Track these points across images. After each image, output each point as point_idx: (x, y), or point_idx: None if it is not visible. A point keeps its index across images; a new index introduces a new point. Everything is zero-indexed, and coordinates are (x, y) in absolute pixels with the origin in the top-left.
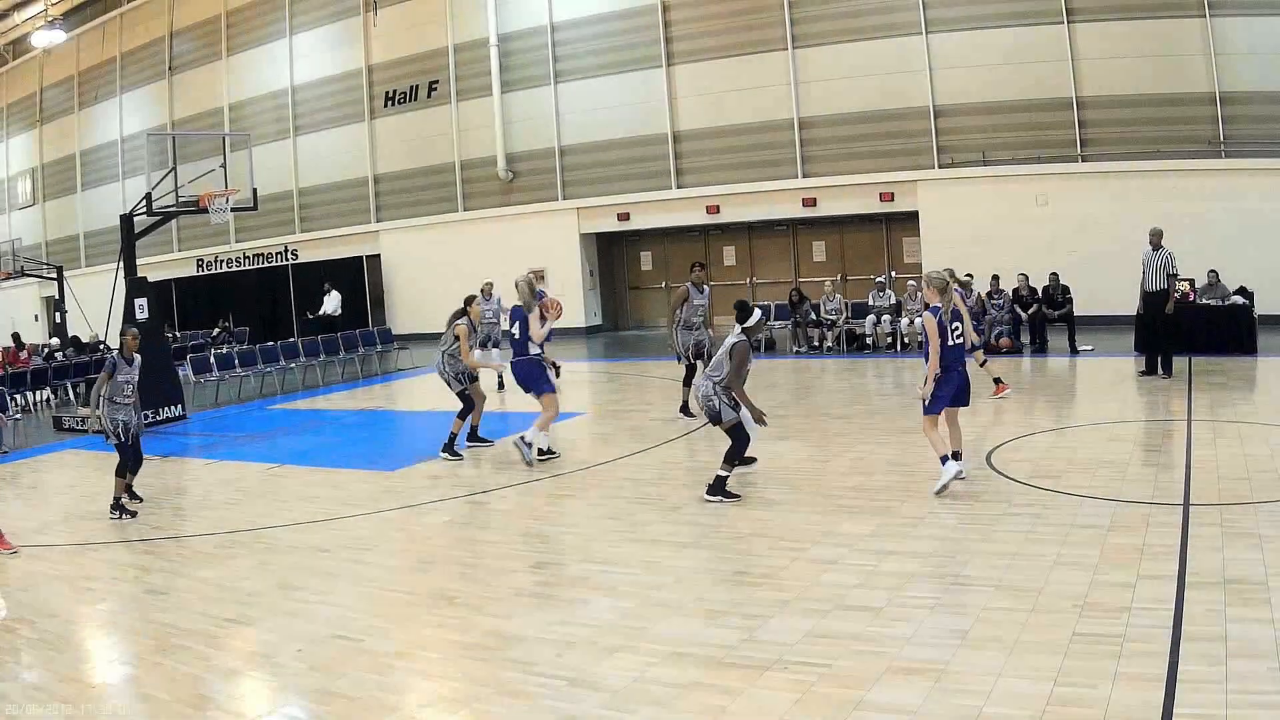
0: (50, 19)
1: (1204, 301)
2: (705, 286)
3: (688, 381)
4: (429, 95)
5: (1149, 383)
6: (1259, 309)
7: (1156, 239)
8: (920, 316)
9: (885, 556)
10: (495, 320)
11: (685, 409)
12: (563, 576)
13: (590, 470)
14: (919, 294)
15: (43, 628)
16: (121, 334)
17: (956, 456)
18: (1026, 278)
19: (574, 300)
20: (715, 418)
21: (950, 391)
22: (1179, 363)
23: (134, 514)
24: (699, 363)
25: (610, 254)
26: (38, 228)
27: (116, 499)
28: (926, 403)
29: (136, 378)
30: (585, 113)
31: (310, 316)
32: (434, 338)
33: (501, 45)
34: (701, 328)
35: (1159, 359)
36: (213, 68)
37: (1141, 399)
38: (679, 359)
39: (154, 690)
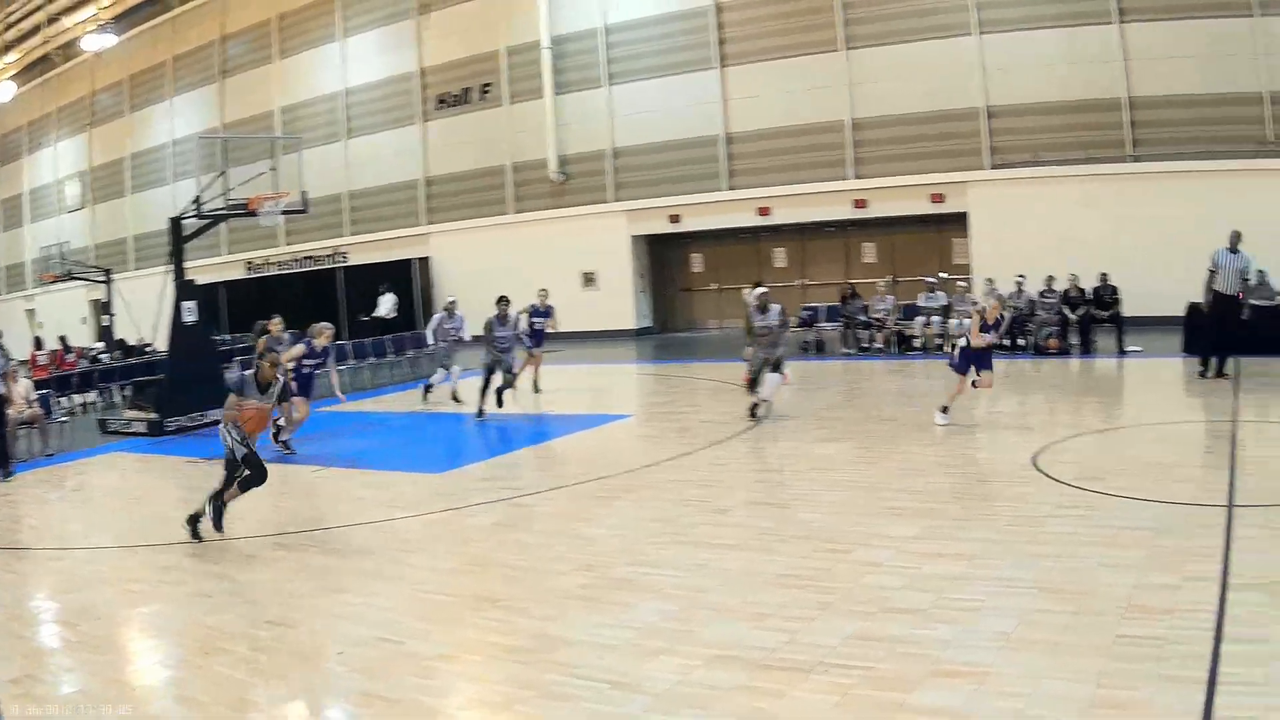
0: (101, 22)
1: (1252, 302)
2: (771, 306)
3: (751, 388)
4: (481, 97)
5: (1202, 384)
6: None
7: (1235, 241)
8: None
9: (930, 559)
10: (458, 337)
11: (753, 411)
12: (608, 578)
13: (636, 473)
14: (967, 295)
15: (86, 630)
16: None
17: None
18: (1076, 278)
19: (624, 302)
20: None
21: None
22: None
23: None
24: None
25: (662, 256)
26: (86, 230)
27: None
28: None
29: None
30: (637, 115)
31: (365, 319)
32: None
33: (555, 47)
34: (773, 347)
35: (1220, 361)
36: (265, 71)
37: (1189, 400)
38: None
39: (196, 693)
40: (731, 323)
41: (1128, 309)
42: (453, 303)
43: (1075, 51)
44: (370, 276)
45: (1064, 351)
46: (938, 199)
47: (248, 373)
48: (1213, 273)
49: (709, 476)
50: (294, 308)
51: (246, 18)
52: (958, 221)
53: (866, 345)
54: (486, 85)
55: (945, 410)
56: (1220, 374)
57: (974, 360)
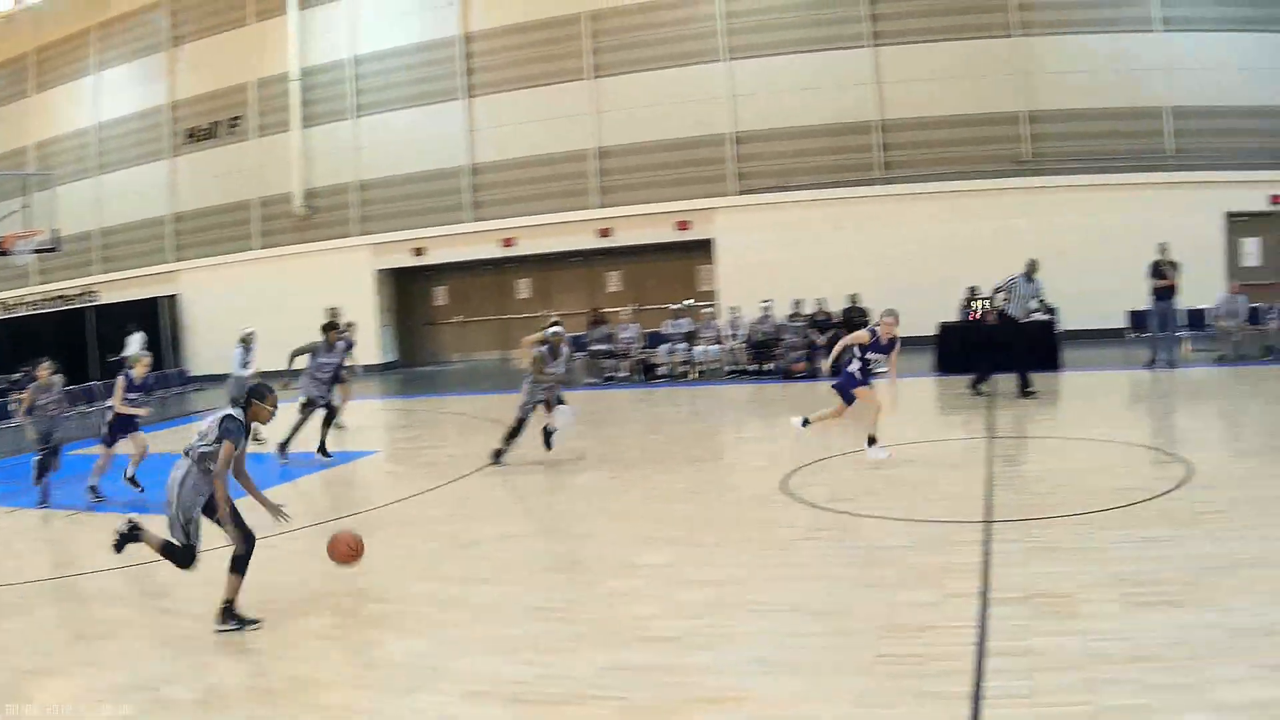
0: None
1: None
2: (562, 349)
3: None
4: (230, 131)
5: (959, 401)
6: (1063, 325)
7: (1032, 270)
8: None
9: (684, 585)
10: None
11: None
12: (358, 617)
13: (384, 509)
14: (713, 321)
15: None
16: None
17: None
18: (823, 301)
19: (368, 336)
20: None
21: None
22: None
23: None
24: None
25: (407, 289)
26: None
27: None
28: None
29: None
30: (385, 146)
31: (114, 359)
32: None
33: (304, 79)
34: (553, 388)
35: (983, 378)
36: (21, 105)
37: (942, 417)
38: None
39: None
40: (480, 356)
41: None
42: (250, 334)
43: (827, 75)
44: (120, 315)
45: (811, 374)
46: (684, 226)
47: None
48: (1006, 297)
49: (458, 511)
50: (46, 348)
51: (3, 51)
52: (705, 248)
53: (612, 374)
54: (235, 118)
55: (873, 441)
56: (977, 389)
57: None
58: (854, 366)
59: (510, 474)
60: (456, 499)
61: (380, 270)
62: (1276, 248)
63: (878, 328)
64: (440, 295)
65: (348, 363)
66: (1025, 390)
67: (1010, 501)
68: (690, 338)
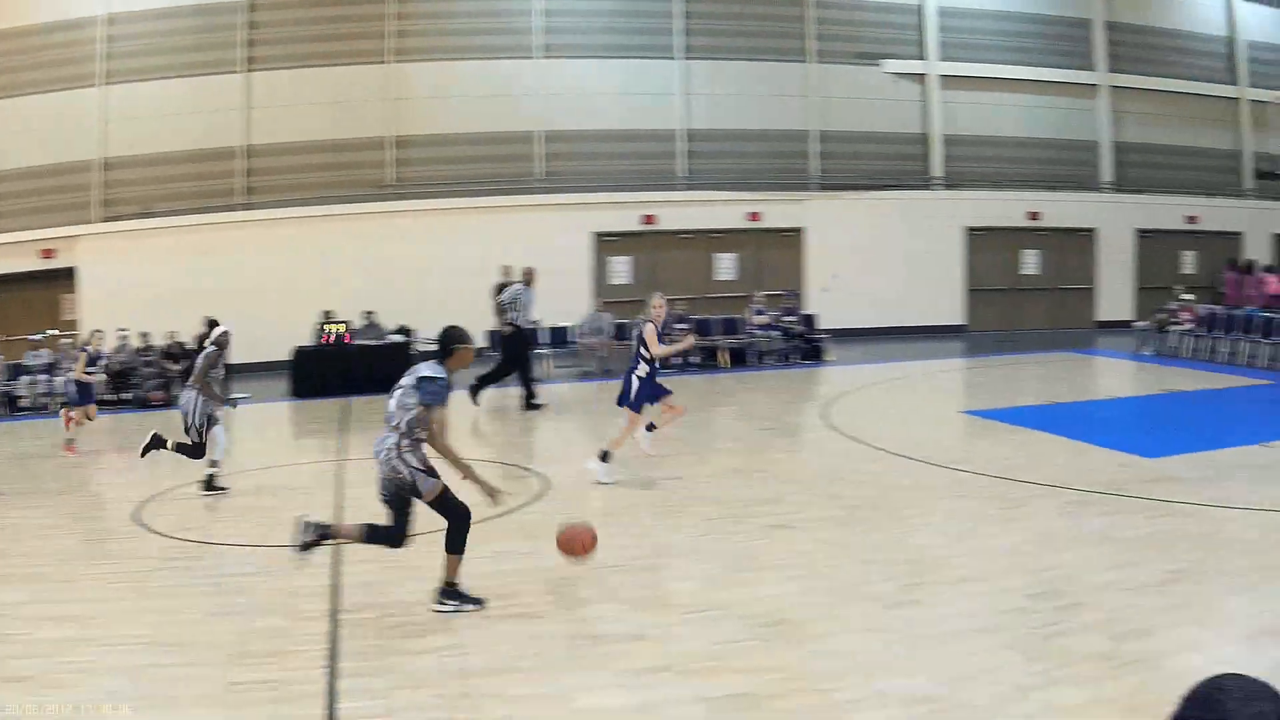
0: None
1: (361, 342)
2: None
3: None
4: None
5: (311, 426)
6: (420, 345)
7: (530, 278)
8: None
9: (40, 623)
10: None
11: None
12: None
13: None
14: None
15: None
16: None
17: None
18: (175, 333)
19: None
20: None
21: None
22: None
23: None
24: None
25: None
26: None
27: None
28: None
29: None
30: None
31: None
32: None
33: None
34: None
35: (482, 387)
36: None
37: (295, 442)
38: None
39: None
40: None
41: (239, 355)
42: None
43: (199, 101)
44: None
45: (167, 404)
46: (49, 254)
47: None
48: (513, 310)
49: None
50: None
51: None
52: (69, 277)
53: None
54: None
55: (605, 456)
56: (474, 396)
57: (653, 390)
58: (642, 370)
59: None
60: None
61: None
62: (647, 266)
63: (653, 314)
64: None
65: None
66: (530, 403)
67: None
68: (51, 369)
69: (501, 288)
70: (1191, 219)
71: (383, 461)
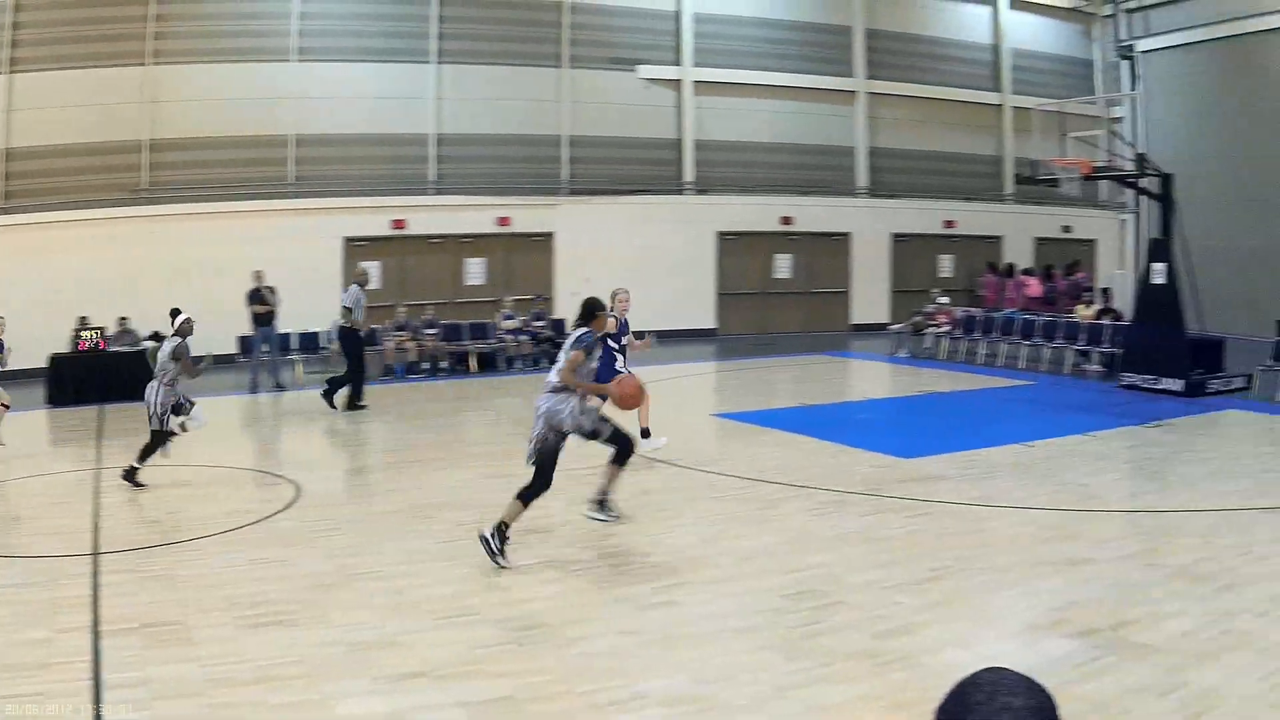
0: None
1: (115, 349)
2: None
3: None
4: None
5: (66, 434)
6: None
7: (363, 279)
8: None
9: None
10: None
11: None
12: None
13: None
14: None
15: None
16: None
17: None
18: None
19: None
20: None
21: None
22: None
23: None
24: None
25: None
26: None
27: None
28: None
29: None
30: None
31: None
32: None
33: None
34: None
35: (334, 390)
36: None
37: (53, 450)
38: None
39: None
40: None
41: None
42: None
43: None
44: None
45: None
46: None
47: None
48: (357, 311)
49: None
50: None
51: None
52: None
53: None
54: None
55: (646, 434)
56: (329, 400)
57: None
58: (617, 363)
59: None
60: None
61: None
62: (396, 270)
63: (613, 309)
64: None
65: None
66: (356, 404)
67: (119, 533)
68: None
69: (256, 292)
70: (949, 223)
71: (541, 415)
